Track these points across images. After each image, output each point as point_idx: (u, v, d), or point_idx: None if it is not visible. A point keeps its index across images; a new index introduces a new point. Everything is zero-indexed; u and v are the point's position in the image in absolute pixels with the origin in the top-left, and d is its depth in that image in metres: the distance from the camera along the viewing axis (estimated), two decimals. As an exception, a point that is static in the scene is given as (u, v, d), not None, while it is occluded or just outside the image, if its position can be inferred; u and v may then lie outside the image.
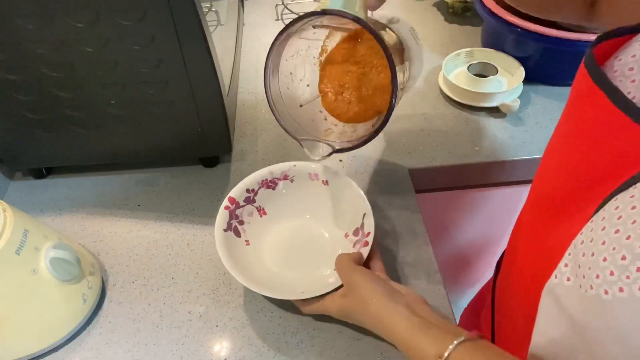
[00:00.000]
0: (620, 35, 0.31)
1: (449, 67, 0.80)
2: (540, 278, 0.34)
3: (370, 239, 0.50)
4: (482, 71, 0.79)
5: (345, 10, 0.44)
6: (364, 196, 0.54)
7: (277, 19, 1.00)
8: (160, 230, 0.62)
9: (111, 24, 0.51)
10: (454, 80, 0.77)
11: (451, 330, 0.38)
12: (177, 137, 0.65)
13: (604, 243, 0.26)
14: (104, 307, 0.55)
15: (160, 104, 0.60)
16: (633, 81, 0.29)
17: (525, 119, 0.75)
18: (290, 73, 0.54)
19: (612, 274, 0.25)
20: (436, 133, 0.73)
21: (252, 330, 0.52)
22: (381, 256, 0.52)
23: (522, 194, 0.80)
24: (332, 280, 0.49)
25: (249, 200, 0.58)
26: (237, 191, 0.56)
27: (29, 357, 0.50)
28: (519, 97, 0.74)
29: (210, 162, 0.70)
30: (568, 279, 0.30)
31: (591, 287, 0.27)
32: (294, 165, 0.58)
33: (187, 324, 0.53)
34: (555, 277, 0.31)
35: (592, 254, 0.27)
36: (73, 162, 0.69)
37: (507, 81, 0.78)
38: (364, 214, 0.53)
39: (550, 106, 0.76)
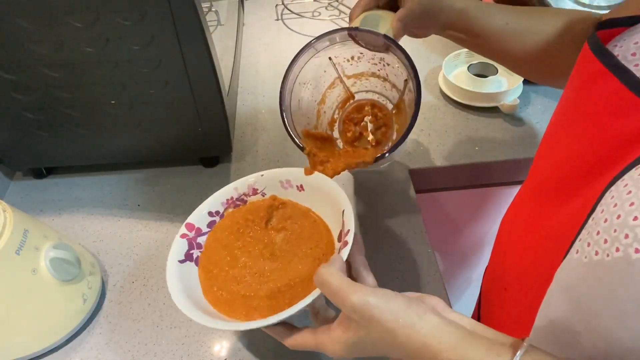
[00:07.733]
0: (620, 25, 0.32)
1: (449, 67, 0.80)
2: (545, 263, 0.34)
3: (349, 237, 0.41)
4: (482, 71, 0.79)
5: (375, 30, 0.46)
6: (342, 192, 0.46)
7: (277, 19, 1.00)
8: (160, 230, 0.62)
9: (111, 24, 0.51)
10: (454, 80, 0.77)
11: (500, 340, 0.31)
12: (177, 137, 0.65)
13: (632, 204, 0.26)
14: (104, 307, 0.55)
15: (160, 104, 0.60)
16: (636, 65, 0.30)
17: (525, 119, 0.75)
18: (304, 84, 0.54)
19: None
20: (436, 133, 0.73)
21: (252, 330, 0.52)
22: (363, 250, 0.43)
23: (522, 194, 0.80)
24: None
25: (214, 225, 0.49)
26: (196, 216, 0.48)
27: (29, 357, 0.50)
28: (519, 97, 0.74)
29: (211, 162, 0.70)
30: (585, 256, 0.29)
31: (617, 250, 0.26)
32: (262, 175, 0.50)
33: (187, 324, 0.53)
34: (577, 252, 0.30)
35: (618, 217, 0.27)
36: (73, 162, 0.69)
37: (507, 81, 0.78)
38: (343, 211, 0.45)
39: (550, 106, 0.76)
